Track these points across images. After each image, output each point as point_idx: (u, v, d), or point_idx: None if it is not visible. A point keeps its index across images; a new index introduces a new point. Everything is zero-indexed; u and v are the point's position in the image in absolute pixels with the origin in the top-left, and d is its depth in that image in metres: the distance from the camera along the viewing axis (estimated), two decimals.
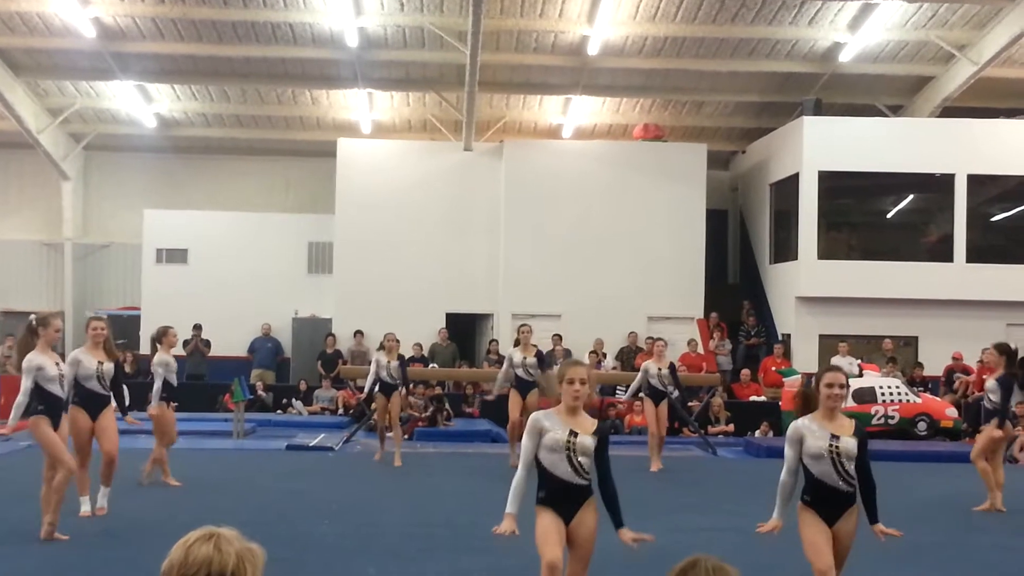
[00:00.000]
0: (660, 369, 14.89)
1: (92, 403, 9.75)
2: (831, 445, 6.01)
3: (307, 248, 24.68)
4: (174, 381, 12.45)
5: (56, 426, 8.92)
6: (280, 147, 25.96)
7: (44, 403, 8.85)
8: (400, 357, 15.33)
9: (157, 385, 12.21)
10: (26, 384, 8.80)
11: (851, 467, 6.03)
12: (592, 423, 5.97)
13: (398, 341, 15.58)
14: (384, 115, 24.80)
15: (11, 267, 25.70)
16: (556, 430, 5.84)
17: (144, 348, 23.03)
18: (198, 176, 26.18)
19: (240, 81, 23.14)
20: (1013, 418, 11.97)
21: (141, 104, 23.95)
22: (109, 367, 9.91)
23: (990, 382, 11.97)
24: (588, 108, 24.31)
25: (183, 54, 21.79)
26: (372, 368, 15.18)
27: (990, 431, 11.72)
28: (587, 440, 5.83)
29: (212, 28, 20.65)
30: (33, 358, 8.85)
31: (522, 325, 14.61)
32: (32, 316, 9.22)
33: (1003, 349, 11.92)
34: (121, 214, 25.72)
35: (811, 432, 6.09)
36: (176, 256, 24.38)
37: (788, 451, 6.19)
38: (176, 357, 12.78)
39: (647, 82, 23.11)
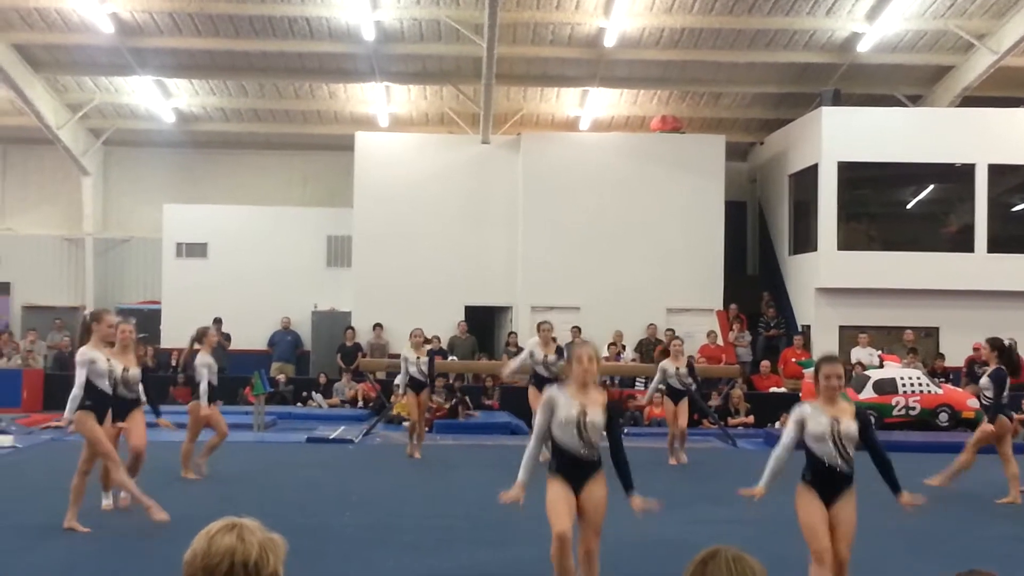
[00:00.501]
0: (678, 368, 14.83)
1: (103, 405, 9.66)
2: (833, 427, 6.33)
3: (326, 242, 24.74)
4: (215, 381, 12.58)
5: (101, 421, 9.01)
6: (298, 141, 26.01)
7: (91, 398, 8.94)
8: (429, 352, 15.26)
9: (203, 386, 12.32)
10: (80, 377, 8.90)
11: (851, 449, 6.35)
12: (602, 399, 6.41)
13: (435, 336, 15.32)
14: (401, 108, 24.82)
15: (33, 262, 25.82)
16: (568, 407, 6.29)
17: (165, 343, 23.29)
18: (217, 171, 26.26)
19: (257, 75, 23.20)
20: (1008, 412, 12.04)
21: (159, 99, 24.04)
22: (135, 372, 9.89)
23: (984, 379, 12.11)
24: (605, 100, 24.26)
25: (201, 49, 21.84)
26: (402, 366, 15.04)
27: (984, 426, 11.89)
28: (597, 416, 6.29)
29: (229, 22, 20.70)
30: (86, 352, 8.97)
31: (542, 323, 14.29)
32: (86, 312, 9.41)
33: (995, 344, 12.05)
34: (141, 209, 25.84)
35: (813, 416, 6.42)
36: (196, 250, 24.47)
37: (789, 429, 6.54)
38: (195, 351, 12.85)
39: (664, 74, 23.05)
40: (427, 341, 15.18)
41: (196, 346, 12.56)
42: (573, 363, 6.40)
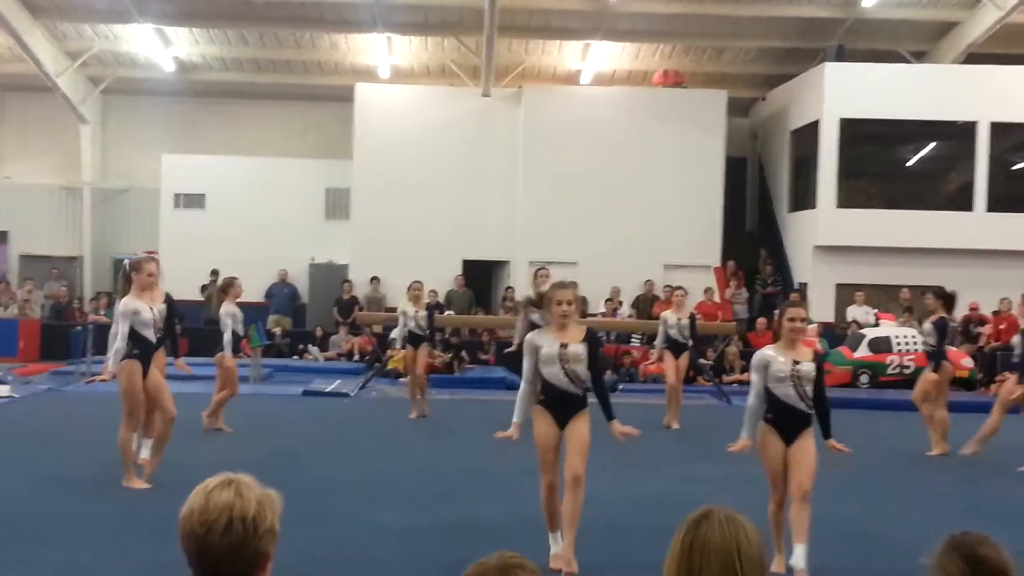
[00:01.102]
0: (679, 319, 14.24)
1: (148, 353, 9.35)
2: (793, 368, 6.74)
3: (324, 194, 24.66)
4: (241, 331, 12.56)
5: (146, 372, 8.94)
6: (298, 92, 25.85)
7: (138, 347, 8.87)
8: (428, 306, 14.86)
9: (227, 336, 12.30)
10: (123, 329, 8.78)
11: (809, 389, 6.74)
12: (581, 332, 6.78)
13: (432, 291, 14.85)
14: (402, 60, 24.65)
15: (30, 211, 25.71)
16: (549, 345, 6.67)
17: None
18: (216, 120, 26.12)
19: (258, 24, 23.01)
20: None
21: (159, 47, 23.86)
22: (160, 309, 9.56)
23: (927, 325, 12.31)
24: (608, 54, 24.10)
25: None
26: (400, 320, 14.60)
27: (927, 375, 12.04)
28: (577, 348, 6.67)
29: None
30: (129, 302, 8.87)
31: (539, 269, 13.77)
32: (125, 260, 9.27)
33: (939, 293, 12.24)
34: (139, 158, 25.73)
35: (775, 359, 6.81)
36: (194, 201, 24.41)
37: (754, 376, 6.90)
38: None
39: (668, 27, 22.88)
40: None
41: (223, 296, 12.62)
42: (553, 305, 6.72)
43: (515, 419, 6.81)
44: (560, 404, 6.69)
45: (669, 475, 10.27)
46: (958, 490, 10.06)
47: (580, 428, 6.67)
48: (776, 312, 7.15)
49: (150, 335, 8.95)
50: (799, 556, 6.49)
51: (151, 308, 9.02)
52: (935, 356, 12.01)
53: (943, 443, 11.90)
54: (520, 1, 21.25)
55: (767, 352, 6.91)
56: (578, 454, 6.63)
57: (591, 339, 6.78)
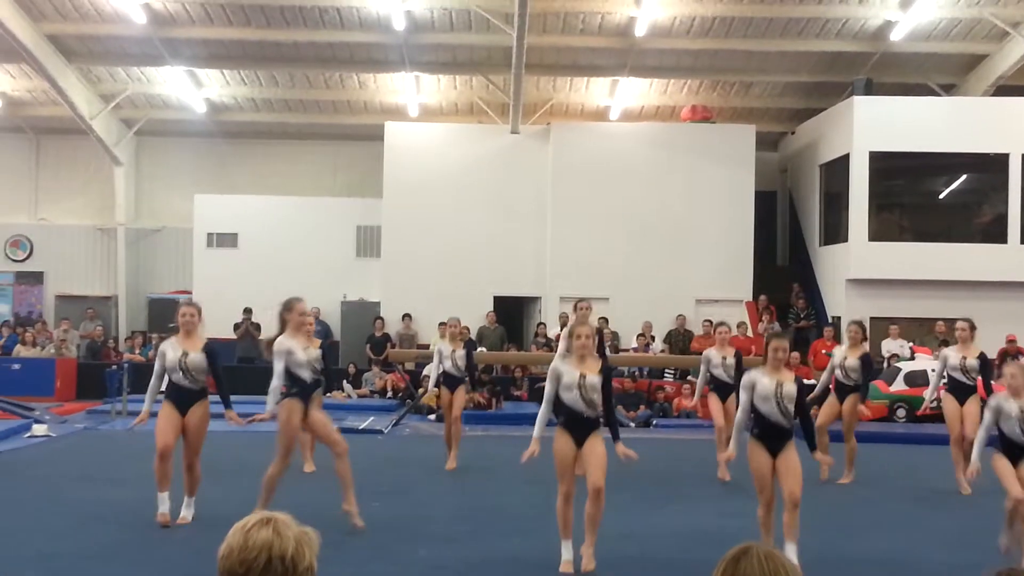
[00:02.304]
0: (724, 358, 12.66)
1: (181, 397, 9.20)
2: (776, 389, 7.74)
3: (355, 232, 24.81)
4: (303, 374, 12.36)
5: (306, 411, 8.88)
6: (328, 131, 26.07)
7: (295, 386, 8.82)
8: (467, 343, 13.69)
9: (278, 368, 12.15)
10: (278, 367, 8.73)
11: (791, 407, 7.72)
12: (598, 364, 7.65)
13: (464, 327, 14.00)
14: (431, 98, 24.82)
15: (66, 252, 26.04)
16: (570, 374, 7.54)
17: None
18: (247, 160, 26.37)
19: (288, 66, 23.25)
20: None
21: (191, 89, 24.15)
22: (197, 357, 9.22)
23: (852, 360, 12.41)
24: (636, 90, 24.17)
25: (232, 39, 21.92)
26: (435, 359, 13.46)
27: (857, 407, 12.24)
28: (594, 379, 7.54)
29: (260, 13, 20.76)
30: (283, 342, 8.78)
31: (580, 301, 12.38)
32: (281, 301, 9.07)
33: (862, 325, 12.81)
34: (172, 199, 25.99)
35: (761, 381, 7.83)
36: (226, 240, 24.61)
37: (743, 395, 7.96)
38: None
39: (695, 63, 22.94)
40: (460, 333, 13.74)
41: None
42: (573, 339, 7.61)
43: (535, 435, 7.68)
44: (576, 425, 7.52)
45: (705, 509, 10.19)
46: (995, 525, 9.90)
47: (596, 446, 7.51)
48: (768, 338, 8.11)
49: (305, 375, 8.85)
50: (790, 553, 7.17)
51: (305, 349, 8.91)
52: (862, 390, 12.34)
53: (851, 471, 12.03)
54: (547, 39, 21.39)
55: (754, 374, 7.93)
56: (598, 468, 7.40)
57: (605, 372, 7.65)
